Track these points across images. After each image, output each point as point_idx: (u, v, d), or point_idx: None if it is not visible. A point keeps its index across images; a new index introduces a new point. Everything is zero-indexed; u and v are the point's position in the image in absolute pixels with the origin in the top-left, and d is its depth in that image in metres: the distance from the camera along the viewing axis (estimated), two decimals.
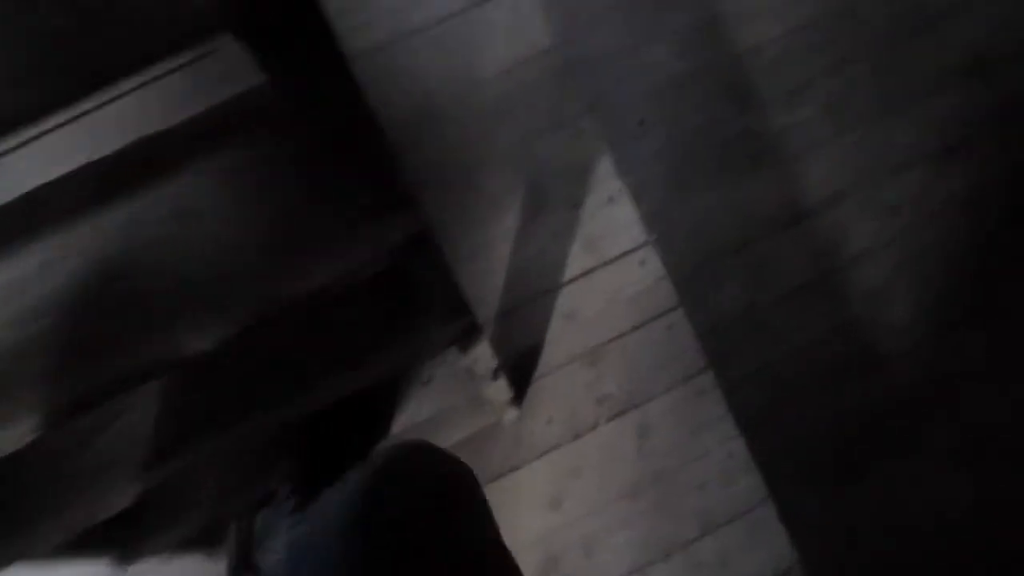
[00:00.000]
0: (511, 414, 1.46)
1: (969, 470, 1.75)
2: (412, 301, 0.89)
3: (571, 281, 1.50)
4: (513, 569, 0.76)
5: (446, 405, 1.27)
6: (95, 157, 0.63)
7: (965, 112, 1.83)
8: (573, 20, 1.63)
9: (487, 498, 0.85)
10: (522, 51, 1.51)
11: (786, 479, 1.63)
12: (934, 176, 1.81)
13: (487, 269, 1.49)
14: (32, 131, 0.64)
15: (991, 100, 1.84)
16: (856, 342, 1.78)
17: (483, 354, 1.10)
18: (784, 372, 1.73)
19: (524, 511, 1.48)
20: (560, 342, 1.51)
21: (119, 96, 0.63)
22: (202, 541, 1.17)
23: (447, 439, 1.34)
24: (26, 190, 0.64)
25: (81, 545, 0.94)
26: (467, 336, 0.95)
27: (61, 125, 0.64)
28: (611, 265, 1.52)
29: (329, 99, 0.63)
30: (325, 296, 0.66)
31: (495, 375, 1.16)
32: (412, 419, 1.22)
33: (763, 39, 1.78)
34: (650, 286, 1.53)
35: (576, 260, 1.51)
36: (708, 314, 1.69)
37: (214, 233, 0.63)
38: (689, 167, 1.73)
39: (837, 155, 1.80)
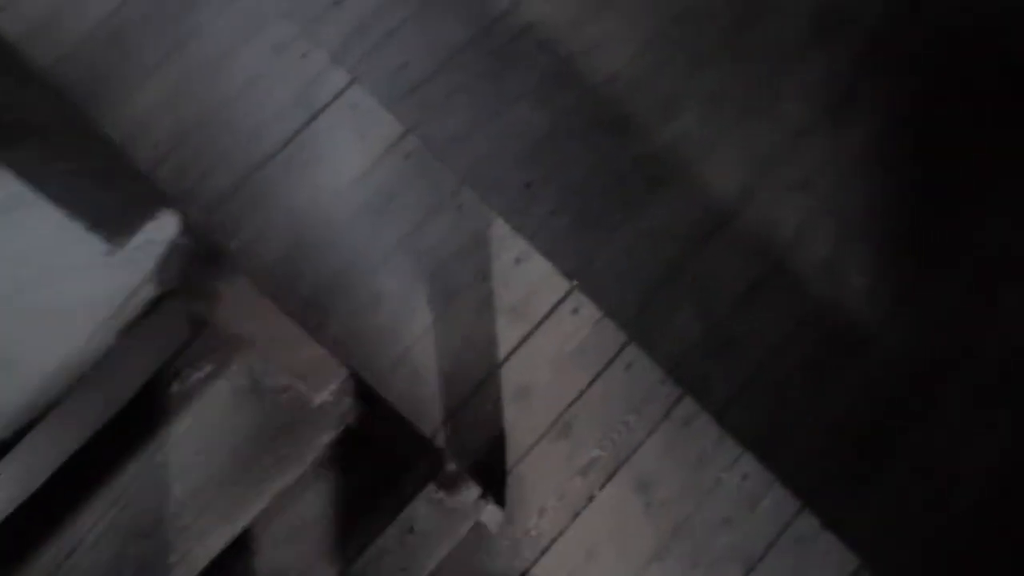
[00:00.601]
0: (496, 518, 1.30)
1: (1003, 407, 1.62)
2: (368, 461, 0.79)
3: (510, 356, 1.38)
4: None
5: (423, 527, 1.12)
6: None
7: (833, 70, 1.80)
8: (421, 105, 1.58)
9: None
10: (376, 147, 1.44)
11: (813, 482, 1.48)
12: (830, 138, 1.76)
13: (416, 376, 1.36)
14: None
15: (851, 51, 1.81)
16: (829, 324, 1.67)
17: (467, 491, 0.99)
18: (768, 378, 1.60)
19: None
20: (521, 423, 1.38)
21: None
22: None
23: (426, 559, 1.17)
24: None
25: None
26: (436, 471, 0.84)
27: None
28: (544, 324, 1.40)
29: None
30: None
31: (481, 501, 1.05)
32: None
33: (615, 65, 1.75)
34: (592, 331, 1.42)
35: (507, 332, 1.40)
36: (669, 348, 1.57)
37: None
38: (592, 212, 1.66)
39: (731, 150, 1.74)
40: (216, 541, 0.70)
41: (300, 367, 0.68)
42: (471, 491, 1.19)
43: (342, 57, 1.58)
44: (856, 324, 1.67)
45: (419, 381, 1.36)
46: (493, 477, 1.35)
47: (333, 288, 1.37)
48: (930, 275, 1.70)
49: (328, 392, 0.71)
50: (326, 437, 0.73)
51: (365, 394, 0.77)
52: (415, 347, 1.37)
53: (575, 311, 1.42)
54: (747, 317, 1.61)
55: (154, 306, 0.49)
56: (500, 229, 1.45)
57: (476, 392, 1.36)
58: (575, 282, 1.42)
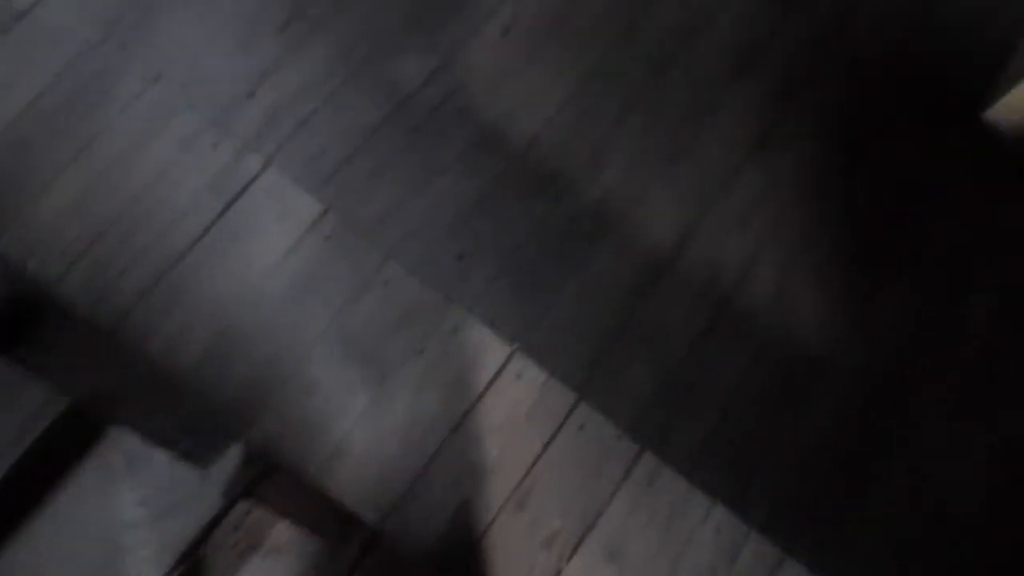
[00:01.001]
0: None
1: (975, 419, 1.56)
2: None
3: (455, 429, 1.31)
4: None
5: None
6: None
7: (754, 103, 1.80)
8: (342, 187, 1.54)
9: None
10: (294, 230, 1.39)
11: (791, 526, 1.40)
12: (761, 170, 1.74)
13: (357, 466, 1.28)
14: None
15: (770, 82, 1.81)
16: (786, 359, 1.62)
17: None
18: (731, 421, 1.54)
19: None
20: (475, 501, 1.29)
21: None
22: None
23: None
24: None
25: None
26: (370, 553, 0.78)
27: None
28: (489, 393, 1.33)
29: None
30: None
31: None
32: None
33: (538, 125, 1.73)
34: (539, 395, 1.35)
35: (449, 406, 1.33)
36: (624, 404, 1.51)
37: None
38: (532, 274, 1.61)
39: (664, 196, 1.71)
40: None
41: (180, 432, 0.61)
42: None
43: (256, 146, 1.54)
44: (814, 356, 1.62)
45: (362, 467, 1.28)
46: (452, 559, 1.26)
47: (264, 379, 1.30)
48: (883, 293, 1.67)
49: (218, 464, 0.63)
50: (215, 512, 0.65)
51: (266, 463, 0.70)
52: (354, 432, 1.29)
53: (519, 375, 1.35)
54: (701, 361, 1.56)
55: None
56: (432, 301, 1.39)
57: (424, 472, 1.28)
58: (516, 345, 1.36)
